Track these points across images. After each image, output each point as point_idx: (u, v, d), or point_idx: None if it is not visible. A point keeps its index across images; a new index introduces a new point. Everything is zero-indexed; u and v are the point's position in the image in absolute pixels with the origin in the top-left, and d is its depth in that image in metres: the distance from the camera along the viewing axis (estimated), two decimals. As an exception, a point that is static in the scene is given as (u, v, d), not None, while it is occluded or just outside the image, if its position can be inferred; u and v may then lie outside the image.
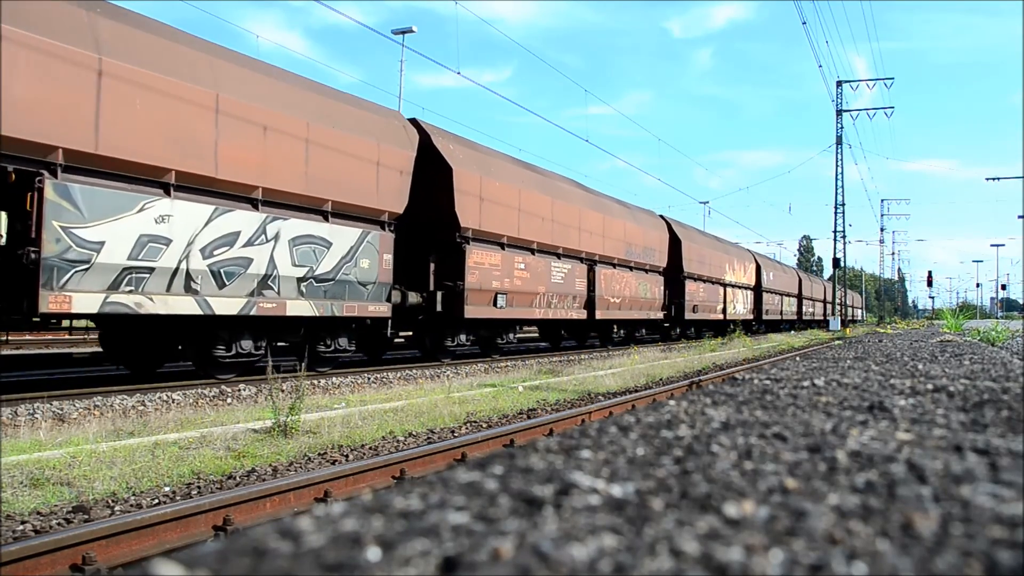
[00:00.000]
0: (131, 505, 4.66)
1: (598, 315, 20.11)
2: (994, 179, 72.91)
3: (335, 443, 6.69)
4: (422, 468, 6.02)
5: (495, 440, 7.07)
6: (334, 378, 11.39)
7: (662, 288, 25.17)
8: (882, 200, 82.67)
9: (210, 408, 8.66)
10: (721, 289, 31.14)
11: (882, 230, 79.83)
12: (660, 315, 25.20)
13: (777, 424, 1.18)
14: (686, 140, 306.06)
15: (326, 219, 11.43)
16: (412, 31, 28.42)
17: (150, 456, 5.82)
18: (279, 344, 11.80)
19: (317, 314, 11.11)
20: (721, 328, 32.22)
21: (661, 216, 27.14)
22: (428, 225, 14.39)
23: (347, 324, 12.28)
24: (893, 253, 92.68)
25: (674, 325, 27.90)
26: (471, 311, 14.54)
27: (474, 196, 14.80)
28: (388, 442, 6.94)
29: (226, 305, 9.70)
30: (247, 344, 10.63)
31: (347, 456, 6.28)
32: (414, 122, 14.18)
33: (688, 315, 26.90)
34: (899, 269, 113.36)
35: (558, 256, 18.24)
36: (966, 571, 0.54)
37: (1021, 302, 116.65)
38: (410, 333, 15.61)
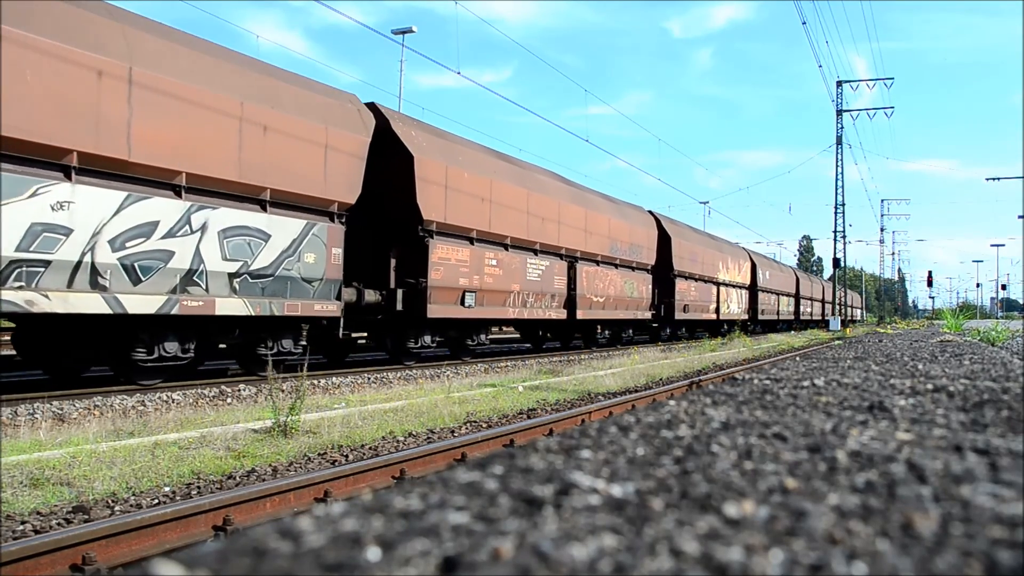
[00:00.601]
0: (131, 505, 4.66)
1: (579, 315, 19.11)
2: (994, 179, 73.04)
3: (335, 443, 6.69)
4: (422, 468, 6.02)
5: (495, 440, 7.06)
6: (334, 378, 11.39)
7: (650, 287, 24.21)
8: (882, 200, 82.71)
9: (210, 408, 8.66)
10: (714, 288, 30.22)
11: (882, 230, 79.88)
12: (648, 315, 24.20)
13: (777, 424, 1.18)
14: (686, 140, 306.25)
15: (264, 209, 10.37)
16: (412, 31, 28.44)
17: (150, 456, 5.82)
18: (220, 346, 11.08)
19: (253, 313, 10.07)
20: (715, 328, 31.47)
21: (650, 212, 26.11)
22: (388, 218, 13.42)
23: (292, 324, 11.32)
24: (893, 253, 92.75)
25: (664, 325, 26.90)
26: (435, 310, 13.55)
27: (439, 186, 13.73)
28: (388, 442, 6.94)
29: (141, 303, 8.63)
30: (172, 346, 9.51)
31: (347, 456, 6.28)
32: (372, 106, 13.05)
33: (679, 315, 26.04)
34: (899, 269, 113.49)
35: (535, 252, 17.22)
36: (966, 571, 0.54)
37: (1021, 302, 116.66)
38: (365, 335, 14.46)
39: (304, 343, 11.67)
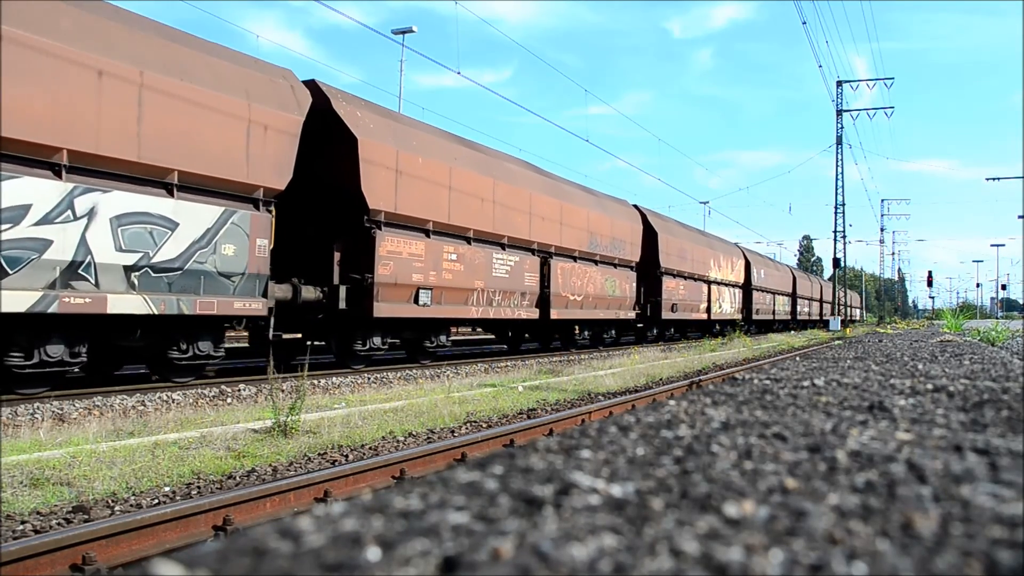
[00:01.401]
0: (131, 505, 4.66)
1: (554, 315, 17.80)
2: (994, 179, 73.10)
3: (335, 443, 6.69)
4: (422, 468, 6.02)
5: (495, 440, 7.06)
6: (334, 378, 11.38)
7: (634, 285, 22.81)
8: (882, 200, 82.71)
9: (210, 408, 8.66)
10: (705, 287, 28.96)
11: (882, 230, 79.88)
12: (632, 315, 22.78)
13: (777, 424, 1.18)
14: (686, 140, 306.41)
15: (170, 194, 9.10)
16: (412, 31, 28.44)
17: (150, 456, 5.82)
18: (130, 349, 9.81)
19: (156, 312, 8.83)
20: (706, 329, 30.46)
21: (635, 206, 24.49)
22: (331, 207, 12.25)
23: (211, 325, 10.09)
24: (893, 253, 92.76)
25: (650, 326, 25.52)
26: (383, 309, 12.30)
27: (388, 173, 12.46)
28: (388, 442, 6.94)
29: (9, 300, 7.47)
30: (56, 350, 8.26)
31: (347, 456, 6.28)
32: (311, 84, 11.86)
33: (666, 315, 24.75)
34: (899, 269, 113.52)
35: (502, 247, 15.89)
36: (966, 571, 0.54)
37: (1021, 302, 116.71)
38: (299, 335, 13.10)
39: (225, 346, 10.59)
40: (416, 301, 13.16)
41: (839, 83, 41.85)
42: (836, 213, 42.04)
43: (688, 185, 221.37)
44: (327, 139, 11.94)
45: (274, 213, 10.75)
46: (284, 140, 10.66)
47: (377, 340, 13.03)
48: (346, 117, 11.86)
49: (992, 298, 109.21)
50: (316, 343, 12.59)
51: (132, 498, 4.80)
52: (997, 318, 43.41)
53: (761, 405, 1.41)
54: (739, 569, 0.53)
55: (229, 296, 9.92)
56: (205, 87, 9.49)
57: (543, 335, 20.04)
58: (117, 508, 4.58)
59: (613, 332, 22.78)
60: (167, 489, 5.06)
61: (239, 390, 9.77)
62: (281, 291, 11.07)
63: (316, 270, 12.06)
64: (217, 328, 10.26)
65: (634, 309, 22.91)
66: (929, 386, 1.80)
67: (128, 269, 8.63)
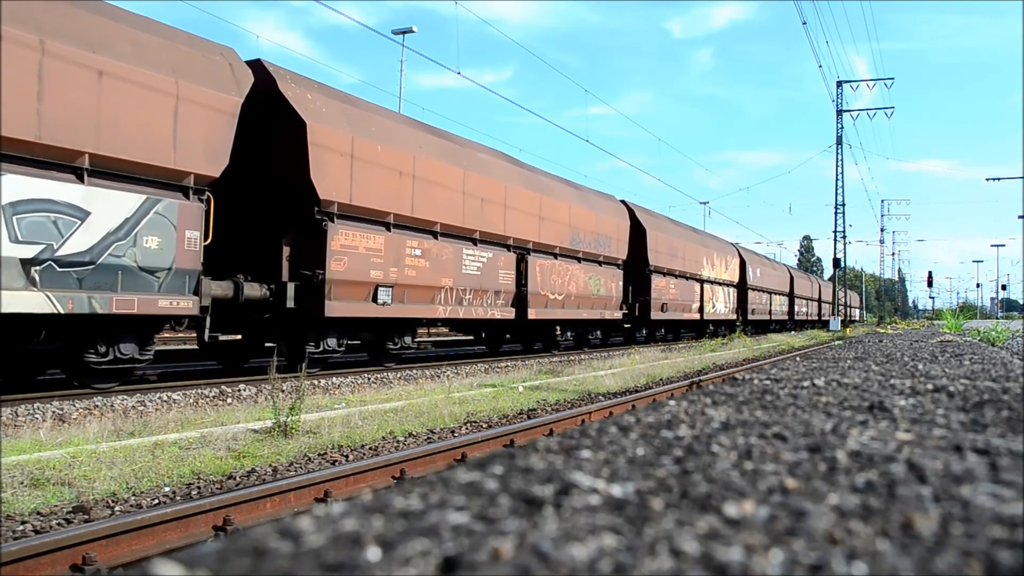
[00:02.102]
0: (131, 505, 4.67)
1: (531, 315, 16.79)
2: (994, 179, 73.07)
3: (335, 443, 6.69)
4: (422, 468, 6.02)
5: (495, 440, 7.06)
6: (334, 378, 11.38)
7: (620, 283, 21.71)
8: (882, 200, 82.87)
9: (210, 408, 8.66)
10: (697, 286, 27.90)
11: (882, 230, 79.91)
12: (618, 315, 21.66)
13: (777, 424, 1.18)
14: (686, 140, 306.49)
15: (80, 179, 8.16)
16: (412, 31, 28.45)
17: (150, 456, 5.82)
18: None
19: (62, 311, 7.94)
20: (699, 329, 29.76)
21: (622, 201, 23.28)
22: (278, 197, 11.36)
23: (136, 325, 9.11)
24: (893, 253, 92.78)
25: (638, 326, 24.34)
26: (336, 308, 11.38)
27: (342, 160, 11.53)
28: (388, 442, 6.94)
29: None
30: None
31: (347, 456, 6.28)
32: (257, 64, 10.94)
33: (656, 315, 23.71)
34: (899, 269, 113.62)
35: (473, 242, 14.91)
36: (966, 571, 0.54)
37: (1021, 302, 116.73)
38: (239, 336, 12.20)
39: (154, 348, 9.65)
40: (375, 300, 12.19)
41: (839, 83, 41.88)
42: (836, 213, 42.05)
43: (688, 185, 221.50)
44: (274, 124, 11.11)
45: (212, 202, 9.81)
46: (219, 122, 9.65)
47: (332, 342, 12.09)
48: (294, 99, 10.96)
49: (992, 298, 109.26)
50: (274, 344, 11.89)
51: (132, 498, 4.80)
52: (997, 318, 43.43)
53: (761, 405, 1.41)
54: (739, 569, 0.53)
55: (153, 293, 8.92)
56: (122, 61, 8.46)
57: (524, 336, 19.23)
58: (117, 508, 4.58)
59: (598, 333, 21.94)
60: (167, 489, 5.06)
61: (239, 390, 9.77)
62: (220, 288, 10.19)
63: (264, 266, 11.24)
64: (143, 329, 9.28)
65: (621, 309, 21.93)
66: (929, 386, 1.80)
67: (27, 263, 7.70)
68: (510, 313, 16.32)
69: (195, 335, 11.91)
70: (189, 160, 9.30)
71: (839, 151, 41.68)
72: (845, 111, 41.92)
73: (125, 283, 8.63)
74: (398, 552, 0.55)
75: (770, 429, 1.13)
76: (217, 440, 6.51)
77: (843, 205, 42.10)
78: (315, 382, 10.74)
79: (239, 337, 12.13)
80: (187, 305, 9.40)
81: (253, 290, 10.76)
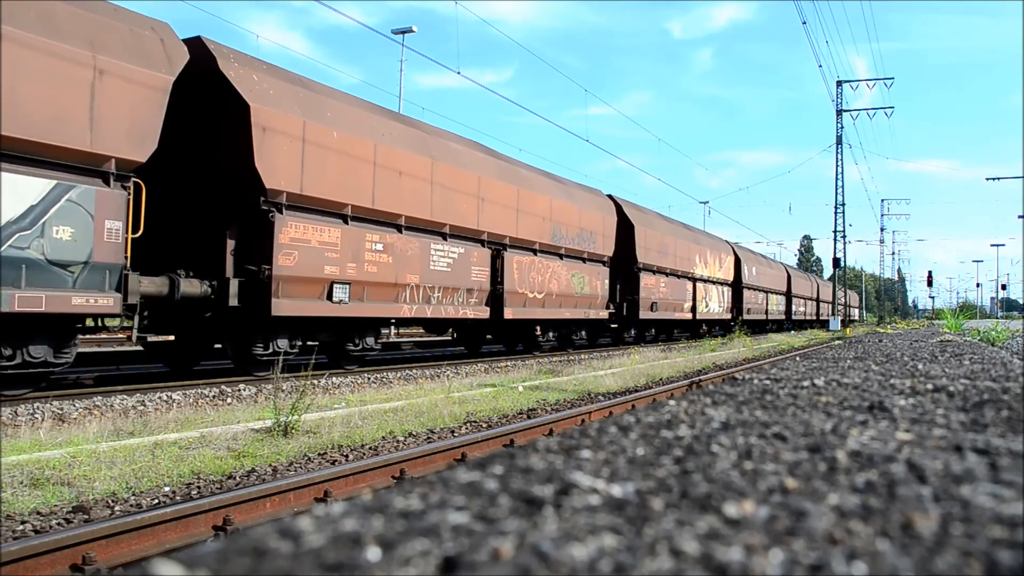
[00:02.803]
0: (131, 505, 4.67)
1: (508, 314, 15.83)
2: (994, 179, 73.16)
3: (335, 443, 6.69)
4: (422, 468, 6.02)
5: (495, 440, 7.07)
6: (334, 378, 11.38)
7: (606, 282, 20.70)
8: (882, 200, 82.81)
9: (210, 408, 8.66)
10: (689, 284, 26.98)
11: (882, 230, 79.97)
12: (604, 314, 20.68)
13: (777, 424, 1.18)
14: (686, 140, 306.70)
15: None
16: (412, 31, 28.46)
17: (150, 456, 5.82)
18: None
19: None
20: (691, 329, 29.21)
21: (609, 196, 22.24)
22: (222, 187, 10.49)
23: (49, 325, 8.29)
24: (893, 253, 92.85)
25: (627, 326, 23.40)
26: (285, 306, 10.52)
27: (292, 147, 10.68)
28: (388, 442, 6.94)
29: None
30: None
31: (347, 456, 6.28)
32: (196, 41, 10.10)
33: (645, 314, 22.79)
34: (899, 269, 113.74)
35: (443, 236, 14.04)
36: (966, 571, 0.54)
37: (1021, 302, 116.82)
38: (172, 337, 11.43)
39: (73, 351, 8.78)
40: (329, 297, 11.32)
41: (839, 83, 41.87)
42: (836, 213, 42.04)
43: (688, 185, 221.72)
44: (216, 107, 10.29)
45: (144, 190, 8.96)
46: (146, 102, 8.73)
47: (283, 343, 11.22)
48: (236, 80, 10.08)
49: (992, 298, 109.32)
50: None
51: (132, 498, 4.80)
52: (997, 318, 43.43)
53: (761, 405, 1.41)
54: (739, 569, 0.53)
55: (66, 290, 8.06)
56: (24, 29, 7.55)
57: (505, 337, 18.49)
58: (117, 508, 4.58)
59: (583, 334, 21.16)
60: (167, 489, 5.06)
61: (239, 390, 9.77)
62: (153, 285, 9.32)
63: (207, 262, 10.40)
64: (57, 329, 8.44)
65: (607, 308, 20.97)
66: (929, 386, 1.80)
67: None
68: (484, 313, 15.39)
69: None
70: (109, 143, 8.36)
71: (839, 151, 41.70)
72: (845, 111, 41.92)
73: (31, 278, 7.76)
74: (398, 552, 0.55)
75: (770, 429, 1.13)
76: (217, 440, 6.51)
77: (843, 205, 42.11)
78: (315, 382, 10.72)
79: (172, 338, 11.39)
80: (107, 303, 8.47)
81: (192, 287, 9.89)
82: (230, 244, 10.41)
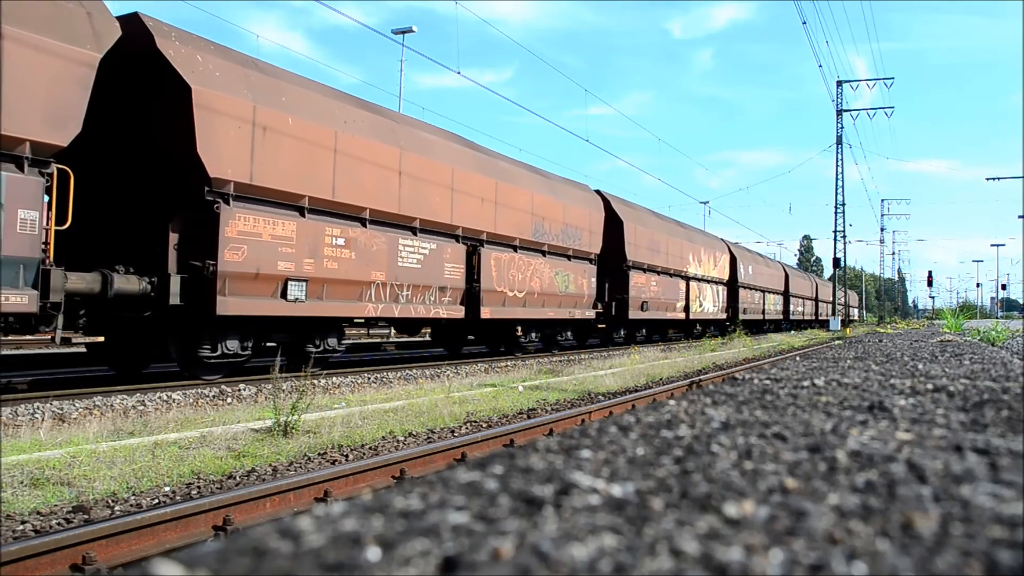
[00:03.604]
0: (131, 505, 4.67)
1: (485, 313, 15.06)
2: (994, 179, 73.16)
3: (335, 443, 6.69)
4: (422, 468, 6.02)
5: (495, 440, 7.07)
6: (334, 378, 11.38)
7: (593, 280, 19.88)
8: (882, 200, 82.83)
9: (210, 408, 8.66)
10: (682, 283, 26.21)
11: (882, 230, 79.98)
12: (591, 314, 19.90)
13: (777, 424, 1.18)
14: (686, 140, 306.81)
15: None
16: (412, 31, 28.47)
17: (150, 456, 5.82)
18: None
19: None
20: (685, 329, 28.70)
21: (597, 191, 21.45)
22: (162, 175, 9.75)
23: None
24: (893, 253, 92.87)
25: (615, 326, 22.55)
26: (232, 305, 9.75)
27: (240, 134, 9.89)
28: (388, 442, 6.94)
29: None
30: None
31: (347, 456, 6.28)
32: (133, 18, 9.32)
33: (634, 314, 21.90)
34: (899, 269, 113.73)
35: (412, 231, 13.23)
36: (966, 571, 0.54)
37: (1021, 302, 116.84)
38: (102, 338, 10.69)
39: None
40: (284, 296, 10.57)
41: (839, 83, 41.87)
42: (836, 213, 42.04)
43: (688, 185, 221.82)
44: (155, 89, 9.56)
45: (72, 178, 8.29)
46: (67, 81, 7.95)
47: (233, 344, 10.42)
48: (177, 60, 9.27)
49: (992, 298, 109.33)
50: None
51: (132, 498, 4.80)
52: (997, 318, 43.43)
53: (761, 405, 1.41)
54: (739, 569, 0.53)
55: None
56: None
57: (485, 338, 17.80)
58: (117, 508, 4.58)
59: (569, 334, 20.30)
60: (167, 489, 5.06)
61: (239, 390, 9.77)
62: (82, 282, 8.59)
63: (148, 256, 9.63)
64: None
65: (595, 308, 20.19)
66: (929, 386, 1.80)
67: None
68: (459, 312, 14.56)
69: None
70: (21, 124, 7.61)
71: (839, 151, 41.70)
72: (845, 111, 41.92)
73: None
74: (398, 552, 0.55)
75: (770, 429, 1.13)
76: (217, 440, 6.51)
77: (843, 205, 42.10)
78: (315, 382, 10.71)
79: (102, 339, 10.62)
80: (19, 301, 7.70)
81: (129, 284, 9.09)
82: (173, 238, 9.63)
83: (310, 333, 11.74)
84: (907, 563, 0.55)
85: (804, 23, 62.44)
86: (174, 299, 9.38)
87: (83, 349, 12.15)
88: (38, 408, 7.70)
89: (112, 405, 8.23)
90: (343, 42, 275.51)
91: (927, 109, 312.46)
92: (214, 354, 10.15)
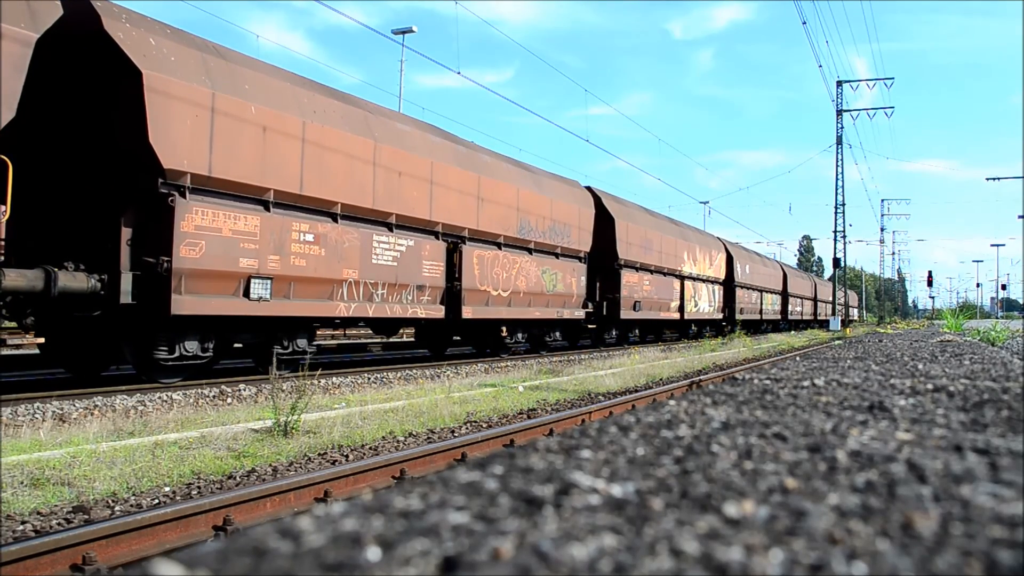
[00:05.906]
0: (131, 505, 4.67)
1: (467, 313, 14.46)
2: (994, 179, 73.19)
3: (335, 443, 6.69)
4: (422, 468, 6.02)
5: (495, 440, 7.07)
6: (334, 378, 11.37)
7: (583, 279, 19.26)
8: (882, 200, 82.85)
9: (210, 408, 8.66)
10: (677, 282, 25.57)
11: (882, 230, 80.00)
12: (580, 314, 19.21)
13: (777, 424, 1.18)
14: (687, 140, 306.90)
15: None
16: (412, 31, 28.49)
17: (150, 456, 5.82)
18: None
19: None
20: (680, 330, 28.33)
21: (588, 188, 20.81)
22: (113, 166, 9.17)
23: None
24: (893, 253, 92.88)
25: (607, 326, 21.87)
26: (188, 304, 9.19)
27: (197, 123, 9.31)
28: (388, 442, 6.94)
29: None
30: None
31: (347, 456, 6.28)
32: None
33: (626, 314, 21.25)
34: (899, 269, 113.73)
35: (388, 227, 12.57)
36: (966, 571, 0.54)
37: (1021, 302, 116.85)
38: (43, 340, 10.14)
39: None
40: (247, 294, 9.95)
41: (839, 83, 41.88)
42: (836, 213, 42.05)
43: (688, 185, 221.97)
44: (104, 74, 9.03)
45: (10, 168, 7.82)
46: (5, 64, 7.44)
47: (192, 345, 9.81)
48: (127, 43, 8.66)
49: (992, 298, 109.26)
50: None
51: (132, 498, 4.80)
52: (997, 318, 43.42)
53: (761, 405, 1.41)
54: (739, 569, 0.53)
55: None
56: None
57: (470, 338, 17.22)
58: (117, 508, 4.58)
59: (558, 334, 19.57)
60: (167, 489, 5.06)
61: (239, 390, 9.76)
62: (22, 279, 8.01)
63: (98, 252, 9.05)
64: None
65: (585, 308, 19.54)
66: (929, 386, 1.80)
67: None
68: (438, 312, 13.89)
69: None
70: None
71: (839, 151, 41.71)
72: (845, 111, 41.93)
73: None
74: (398, 552, 0.55)
75: (770, 429, 1.13)
76: (217, 440, 6.51)
77: (843, 205, 42.11)
78: (315, 382, 10.69)
79: (42, 341, 10.06)
80: None
81: (76, 281, 8.52)
82: (125, 233, 9.01)
83: (277, 334, 11.14)
84: (907, 563, 0.55)
85: (804, 23, 62.44)
86: (125, 298, 8.84)
87: (35, 351, 11.50)
88: (38, 408, 7.70)
89: (112, 405, 8.23)
90: (344, 42, 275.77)
91: (927, 109, 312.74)
92: (171, 356, 9.56)
